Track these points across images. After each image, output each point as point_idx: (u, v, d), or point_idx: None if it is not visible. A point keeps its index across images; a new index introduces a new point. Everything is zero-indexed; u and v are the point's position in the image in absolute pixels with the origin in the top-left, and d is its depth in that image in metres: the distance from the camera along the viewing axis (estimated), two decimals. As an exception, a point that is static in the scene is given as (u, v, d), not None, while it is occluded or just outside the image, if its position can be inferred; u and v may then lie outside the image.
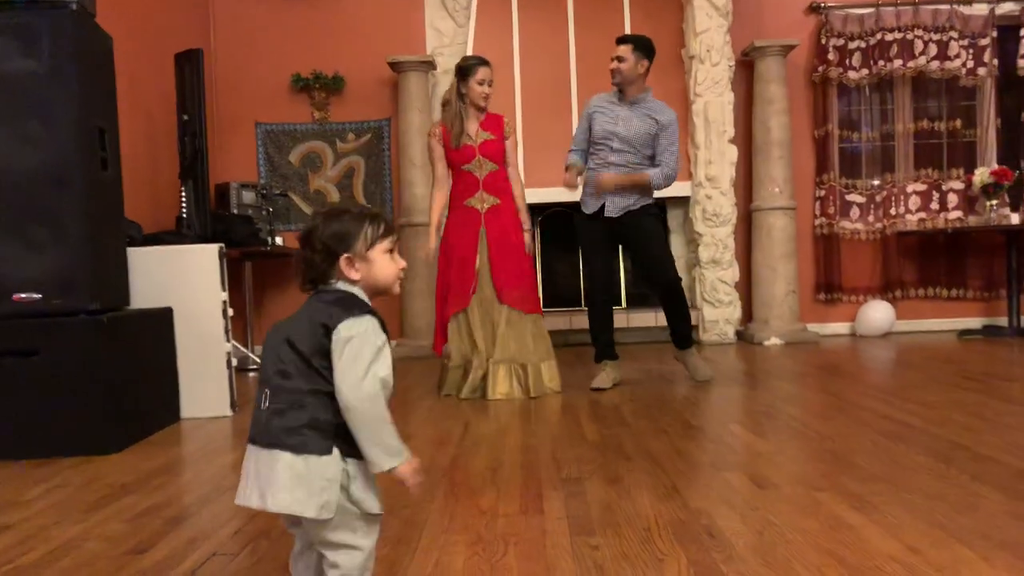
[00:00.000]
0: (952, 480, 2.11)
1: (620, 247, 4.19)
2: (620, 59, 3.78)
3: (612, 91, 3.91)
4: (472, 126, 3.83)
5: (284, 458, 1.26)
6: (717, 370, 4.33)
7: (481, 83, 3.78)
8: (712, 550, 1.68)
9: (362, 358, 1.27)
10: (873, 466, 2.28)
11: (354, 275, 1.35)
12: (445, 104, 3.90)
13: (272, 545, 1.83)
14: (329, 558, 1.32)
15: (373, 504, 1.31)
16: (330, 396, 1.27)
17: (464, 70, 3.83)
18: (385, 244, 1.37)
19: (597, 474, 2.30)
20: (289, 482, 1.25)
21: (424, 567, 1.66)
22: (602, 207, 3.83)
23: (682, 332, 3.94)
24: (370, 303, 1.36)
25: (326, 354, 1.28)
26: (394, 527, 1.89)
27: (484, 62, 3.83)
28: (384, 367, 1.29)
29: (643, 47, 3.81)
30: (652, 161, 3.83)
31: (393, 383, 1.33)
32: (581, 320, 5.69)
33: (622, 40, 3.86)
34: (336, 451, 1.28)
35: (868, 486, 2.08)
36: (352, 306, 1.31)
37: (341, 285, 1.36)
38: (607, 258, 3.99)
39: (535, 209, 5.97)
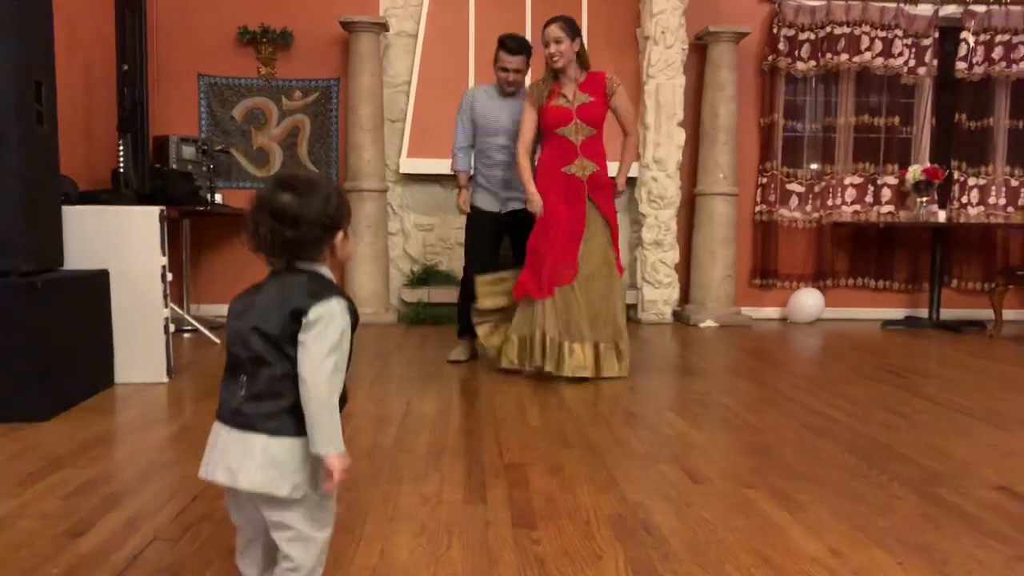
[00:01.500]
0: (872, 480, 2.23)
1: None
2: (519, 71, 3.87)
3: (485, 85, 4.02)
4: (569, 88, 3.60)
5: (259, 440, 1.28)
6: (655, 352, 4.45)
7: (546, 44, 3.57)
8: (649, 547, 1.75)
9: (326, 339, 1.27)
10: (800, 463, 2.39)
11: (340, 252, 1.36)
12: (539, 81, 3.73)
13: (215, 529, 1.83)
14: (283, 550, 1.34)
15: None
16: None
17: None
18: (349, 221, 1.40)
19: (539, 462, 2.36)
20: (264, 462, 1.27)
21: (369, 558, 1.69)
22: (501, 203, 3.94)
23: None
24: (332, 278, 1.37)
25: (293, 338, 1.29)
26: (338, 512, 1.89)
27: (549, 22, 3.61)
28: (341, 360, 1.30)
29: (531, 54, 3.90)
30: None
31: (347, 371, 1.34)
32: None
33: (518, 50, 3.85)
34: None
35: (794, 484, 2.19)
36: (323, 289, 1.31)
37: (315, 265, 1.35)
38: (496, 246, 4.01)
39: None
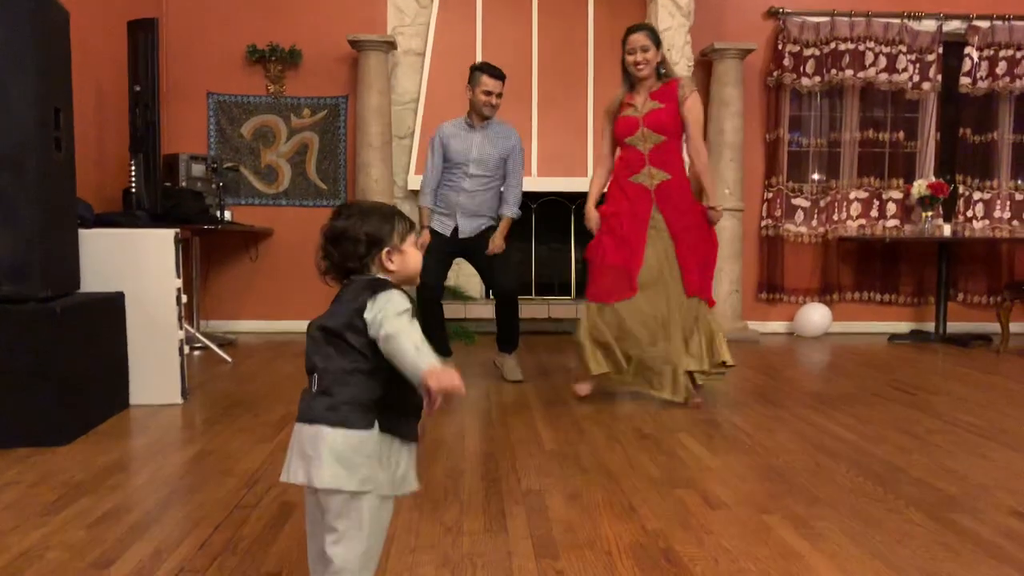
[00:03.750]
0: (889, 505, 2.25)
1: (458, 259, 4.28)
2: (500, 95, 4.05)
3: (461, 118, 4.13)
4: (640, 97, 3.52)
5: (325, 433, 1.35)
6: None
7: (631, 52, 3.48)
8: (671, 578, 1.76)
9: (393, 306, 1.38)
10: (815, 487, 2.41)
11: (391, 265, 1.46)
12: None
13: (240, 560, 1.84)
14: (327, 552, 1.38)
15: (404, 483, 1.42)
16: (368, 374, 1.37)
17: (622, 41, 3.55)
18: (413, 237, 1.50)
19: (557, 488, 2.37)
20: (330, 459, 1.34)
21: (395, 590, 1.70)
22: (455, 228, 4.09)
23: (510, 339, 4.18)
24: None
25: (359, 331, 1.38)
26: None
27: (632, 30, 3.52)
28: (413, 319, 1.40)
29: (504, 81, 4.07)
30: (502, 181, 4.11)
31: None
32: (531, 310, 5.77)
33: (500, 75, 4.04)
34: (376, 426, 1.37)
35: (811, 509, 2.21)
36: (378, 286, 1.42)
37: (378, 275, 1.47)
38: (442, 266, 4.14)
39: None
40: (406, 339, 1.33)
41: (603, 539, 1.98)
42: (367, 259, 1.45)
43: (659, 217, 3.50)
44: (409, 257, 1.49)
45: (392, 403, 1.39)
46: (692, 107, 3.47)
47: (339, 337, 1.39)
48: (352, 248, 1.44)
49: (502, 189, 4.15)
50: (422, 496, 2.30)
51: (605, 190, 3.72)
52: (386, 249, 1.45)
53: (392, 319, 1.35)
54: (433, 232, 4.12)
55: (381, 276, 1.46)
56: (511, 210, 4.14)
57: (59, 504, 2.21)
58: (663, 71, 3.52)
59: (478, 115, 4.07)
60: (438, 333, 4.11)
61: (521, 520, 2.10)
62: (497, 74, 4.02)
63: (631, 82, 3.56)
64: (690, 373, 3.52)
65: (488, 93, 4.00)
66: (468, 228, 4.10)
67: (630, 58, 3.48)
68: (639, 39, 3.48)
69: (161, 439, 2.94)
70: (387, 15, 5.91)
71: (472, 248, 4.13)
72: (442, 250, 4.10)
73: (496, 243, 4.07)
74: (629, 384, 3.62)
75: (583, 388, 3.69)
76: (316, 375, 1.41)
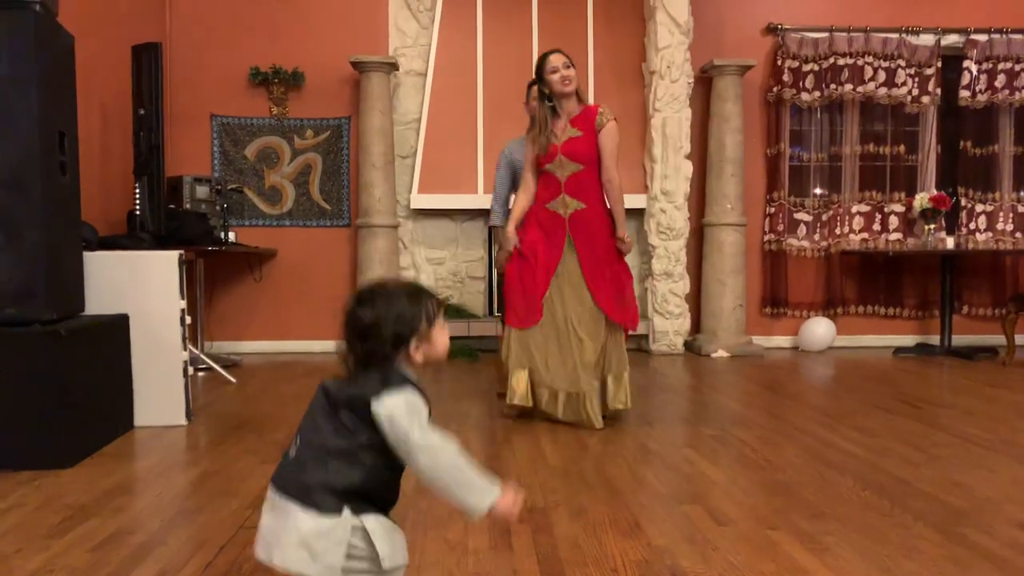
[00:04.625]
0: (896, 519, 2.23)
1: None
2: (567, 66, 3.61)
3: (522, 136, 3.87)
4: (560, 123, 3.49)
5: (294, 514, 1.31)
6: (667, 383, 4.46)
7: (554, 71, 3.43)
8: (677, 595, 1.75)
9: (415, 423, 1.31)
10: (821, 501, 2.40)
11: (418, 357, 1.39)
12: (532, 120, 3.60)
13: (245, 581, 1.84)
14: None
15: (398, 556, 1.35)
16: (349, 461, 1.31)
17: (538, 68, 3.51)
18: (441, 318, 1.42)
19: (561, 505, 2.36)
20: (296, 541, 1.30)
21: (400, 610, 1.69)
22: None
23: None
24: (413, 377, 1.40)
25: (353, 411, 1.33)
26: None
27: (553, 51, 3.51)
28: (429, 425, 1.33)
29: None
30: None
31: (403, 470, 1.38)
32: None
33: (557, 52, 3.65)
34: (347, 511, 1.31)
35: (818, 524, 2.19)
36: (390, 380, 1.35)
37: (400, 366, 1.39)
38: None
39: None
40: (454, 471, 1.29)
41: (609, 556, 1.97)
42: (392, 356, 1.38)
43: (571, 246, 3.48)
44: (436, 343, 1.41)
45: (367, 493, 1.34)
46: (608, 136, 3.44)
47: (335, 409, 1.34)
48: (379, 347, 1.36)
49: None
50: (426, 513, 2.29)
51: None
52: (413, 344, 1.38)
53: (420, 443, 1.29)
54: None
55: (402, 370, 1.39)
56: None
57: (63, 527, 2.21)
58: (580, 94, 3.53)
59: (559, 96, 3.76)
60: None
61: (526, 538, 2.09)
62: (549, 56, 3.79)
63: (553, 107, 3.50)
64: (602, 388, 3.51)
65: (555, 69, 3.63)
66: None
67: (555, 76, 3.42)
68: (560, 58, 3.46)
69: (165, 460, 2.94)
70: (389, 36, 5.97)
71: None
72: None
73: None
74: (553, 414, 3.50)
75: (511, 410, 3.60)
76: (299, 440, 1.37)
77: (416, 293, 1.41)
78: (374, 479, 1.34)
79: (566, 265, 3.50)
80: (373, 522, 1.33)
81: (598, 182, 3.51)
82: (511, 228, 3.61)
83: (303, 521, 1.30)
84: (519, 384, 3.51)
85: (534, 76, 3.56)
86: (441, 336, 1.42)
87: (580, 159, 3.46)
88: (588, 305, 3.47)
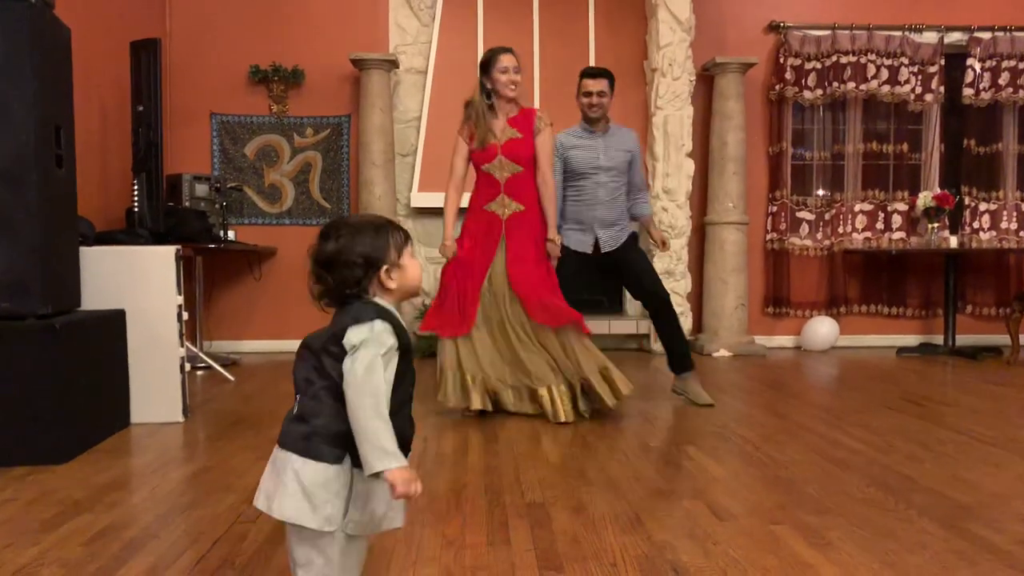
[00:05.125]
0: (900, 515, 2.20)
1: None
2: (602, 93, 3.75)
3: (578, 124, 3.88)
4: (499, 123, 3.51)
5: (293, 462, 1.30)
6: (668, 382, 4.41)
7: (505, 71, 3.46)
8: (678, 589, 1.72)
9: (365, 358, 1.29)
10: (824, 497, 2.36)
11: (391, 284, 1.38)
12: (467, 104, 3.57)
13: (237, 575, 1.81)
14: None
15: (384, 521, 1.35)
16: (342, 402, 1.30)
17: (485, 62, 3.52)
18: (409, 248, 1.41)
19: (560, 500, 2.33)
20: (295, 491, 1.29)
21: (395, 604, 1.66)
22: (595, 244, 3.82)
23: (681, 351, 3.85)
24: (394, 308, 1.39)
25: (334, 357, 1.32)
26: (362, 557, 1.88)
27: (506, 49, 3.53)
28: (387, 377, 1.31)
29: (613, 83, 3.85)
30: (627, 188, 3.91)
31: (409, 392, 1.37)
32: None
33: (598, 74, 3.80)
34: (347, 461, 1.31)
35: (821, 519, 2.16)
36: (367, 312, 1.34)
37: (374, 297, 1.38)
38: (578, 288, 3.87)
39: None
40: (369, 419, 1.25)
41: (608, 551, 1.93)
42: (364, 282, 1.36)
43: (503, 248, 3.50)
44: (408, 271, 1.40)
45: None
46: (545, 141, 3.52)
47: (317, 358, 1.33)
48: (348, 273, 1.34)
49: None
50: (424, 509, 2.26)
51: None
52: (384, 267, 1.37)
53: (359, 378, 1.26)
54: (569, 253, 3.79)
55: (377, 300, 1.37)
56: (647, 208, 4.01)
57: (56, 521, 2.18)
58: (518, 98, 3.56)
59: (585, 119, 3.84)
60: None
61: (524, 533, 2.06)
62: (594, 73, 3.82)
63: (491, 105, 3.51)
64: (572, 390, 3.49)
65: (588, 94, 3.78)
66: (610, 240, 3.83)
67: (504, 76, 3.46)
68: (512, 60, 3.49)
69: (161, 456, 2.91)
70: (389, 34, 5.95)
71: (615, 260, 3.85)
72: (583, 271, 3.86)
73: (664, 239, 3.92)
74: (517, 408, 3.53)
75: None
76: (297, 396, 1.37)
77: (382, 224, 1.40)
78: None
79: (496, 268, 3.52)
80: (360, 481, 1.33)
81: (535, 184, 3.55)
82: (449, 235, 3.60)
83: (302, 471, 1.29)
84: (462, 388, 3.51)
85: (480, 66, 3.56)
86: (412, 264, 1.41)
87: (520, 161, 3.50)
88: (519, 308, 3.50)
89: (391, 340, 1.32)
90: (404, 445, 1.36)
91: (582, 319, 3.51)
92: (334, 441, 1.30)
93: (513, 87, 3.49)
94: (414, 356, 1.39)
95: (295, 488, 1.29)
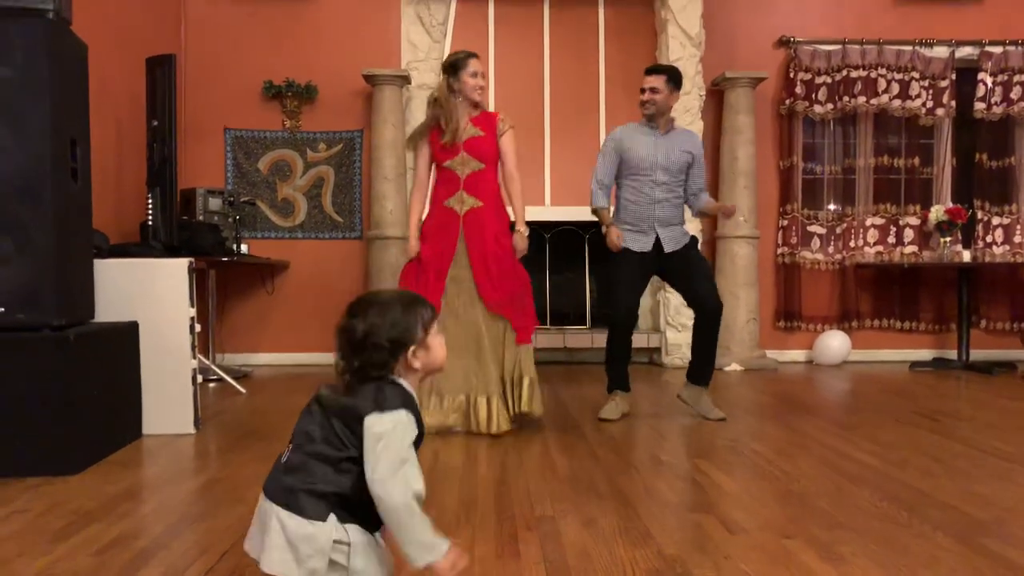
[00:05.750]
0: (915, 530, 2.18)
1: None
2: (654, 90, 3.73)
3: (639, 122, 3.86)
4: (462, 122, 3.56)
5: (281, 516, 1.29)
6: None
7: (474, 75, 3.53)
8: (689, 603, 1.70)
9: (391, 454, 1.29)
10: (838, 512, 2.34)
11: (416, 364, 1.37)
12: (435, 102, 3.61)
13: (247, 586, 1.81)
14: None
15: (371, 572, 1.31)
16: (339, 465, 1.29)
17: (454, 64, 3.56)
18: (435, 326, 1.40)
19: (571, 514, 2.32)
20: (281, 544, 1.28)
21: (404, 616, 1.65)
22: (656, 243, 3.77)
23: (707, 367, 3.85)
24: (414, 391, 1.38)
25: (345, 424, 1.32)
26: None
27: (473, 54, 3.59)
28: (416, 476, 1.30)
29: (675, 78, 3.80)
30: (686, 191, 3.87)
31: (423, 487, 1.35)
32: (545, 339, 5.74)
33: (655, 71, 3.81)
34: (332, 518, 1.29)
35: (834, 533, 2.14)
36: (388, 400, 1.32)
37: (398, 377, 1.37)
38: (639, 291, 3.86)
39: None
40: (404, 517, 1.26)
41: (619, 565, 1.92)
42: (391, 363, 1.36)
43: (463, 245, 3.51)
44: (434, 350, 1.40)
45: (356, 502, 1.31)
46: (510, 140, 3.59)
47: (327, 418, 1.33)
48: (376, 356, 1.34)
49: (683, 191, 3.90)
50: (432, 521, 2.25)
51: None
52: (411, 349, 1.37)
53: (389, 476, 1.26)
54: (629, 253, 3.77)
55: (396, 379, 1.37)
56: (705, 197, 3.92)
57: (67, 531, 2.18)
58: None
59: (647, 117, 3.80)
60: (622, 367, 3.86)
61: (534, 546, 2.05)
62: (650, 70, 3.83)
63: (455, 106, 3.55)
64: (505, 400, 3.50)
65: (642, 91, 3.77)
66: (671, 241, 3.78)
67: (473, 80, 3.53)
68: (480, 65, 3.57)
69: (172, 468, 2.92)
70: (401, 50, 6.00)
71: (674, 263, 3.80)
72: (641, 271, 3.81)
73: (729, 205, 3.91)
74: (451, 424, 3.48)
75: None
76: (291, 447, 1.36)
77: (410, 301, 1.40)
78: (364, 489, 1.31)
79: (459, 267, 3.52)
80: (356, 534, 1.31)
81: (495, 182, 3.60)
82: (413, 234, 3.61)
83: (287, 523, 1.29)
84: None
85: (446, 67, 3.60)
86: (437, 342, 1.41)
87: (482, 157, 3.55)
88: (482, 307, 3.50)
89: (414, 431, 1.33)
90: (377, 518, 1.35)
91: (532, 327, 3.56)
92: (322, 500, 1.30)
93: (480, 91, 3.57)
94: None
95: (280, 540, 1.29)
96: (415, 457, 1.33)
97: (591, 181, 3.88)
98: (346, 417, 1.31)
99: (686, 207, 3.94)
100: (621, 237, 3.76)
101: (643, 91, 3.78)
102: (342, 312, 1.41)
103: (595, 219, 3.94)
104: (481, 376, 3.47)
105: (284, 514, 1.29)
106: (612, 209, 3.91)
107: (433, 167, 3.66)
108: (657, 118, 3.78)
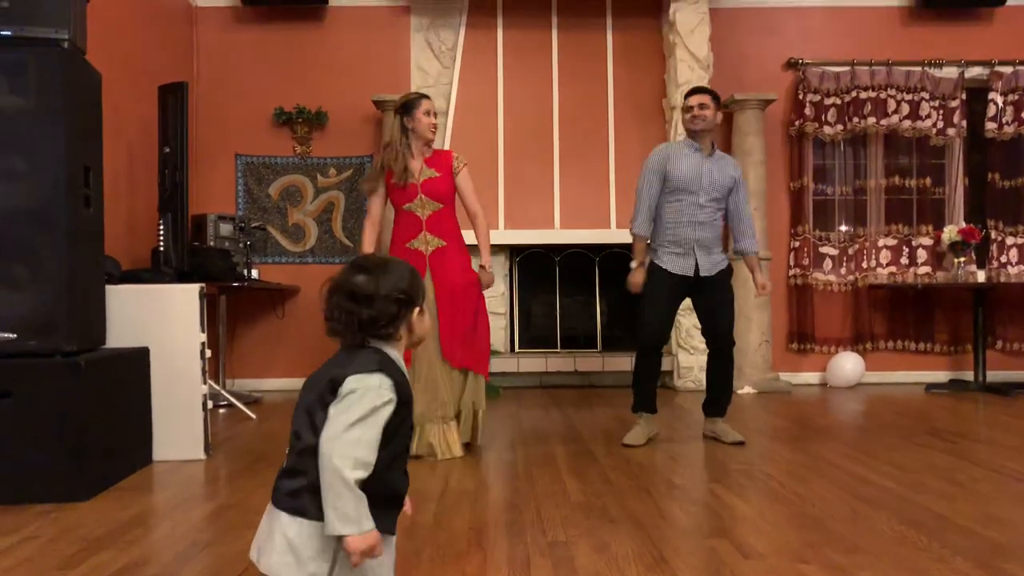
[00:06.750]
0: (934, 554, 2.13)
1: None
2: (703, 106, 3.71)
3: (681, 140, 3.85)
4: (416, 164, 3.57)
5: (282, 519, 1.30)
6: (693, 420, 4.36)
7: (427, 114, 3.56)
8: (704, 630, 1.67)
9: (352, 411, 1.26)
10: (854, 536, 2.30)
11: (418, 327, 1.39)
12: (387, 146, 3.66)
13: (256, 613, 1.78)
14: None
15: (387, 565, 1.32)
16: None
17: (407, 105, 3.58)
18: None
19: (583, 539, 2.29)
20: (282, 546, 1.28)
21: (414, 643, 1.63)
22: (695, 267, 3.71)
23: (723, 399, 3.87)
24: (400, 359, 1.37)
25: (326, 409, 1.29)
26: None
27: (425, 95, 3.64)
28: (365, 444, 1.26)
29: (718, 100, 3.81)
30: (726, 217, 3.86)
31: (405, 444, 1.35)
32: (556, 363, 5.72)
33: (700, 91, 3.80)
34: None
35: (851, 558, 2.10)
36: (371, 362, 1.31)
37: (385, 344, 1.37)
38: (673, 312, 3.83)
39: (513, 250, 6.01)
40: (336, 482, 1.23)
41: (632, 590, 1.89)
42: (398, 321, 1.34)
43: (430, 282, 3.50)
44: (425, 320, 1.42)
45: (364, 490, 1.27)
46: (466, 178, 3.64)
47: (310, 411, 1.31)
48: (388, 308, 1.32)
49: (729, 224, 3.90)
50: (444, 546, 2.23)
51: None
52: (417, 309, 1.37)
53: (337, 433, 1.24)
54: (665, 275, 3.72)
55: (386, 349, 1.35)
56: (755, 245, 3.92)
57: (77, 558, 2.17)
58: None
59: (690, 134, 3.79)
60: (650, 388, 3.82)
61: (547, 571, 2.02)
62: (694, 91, 3.83)
63: (409, 147, 3.57)
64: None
65: (689, 108, 3.76)
66: (709, 266, 3.73)
67: (428, 119, 3.56)
68: (432, 104, 3.62)
69: (182, 494, 2.91)
70: (411, 76, 6.05)
71: (705, 288, 3.75)
72: (677, 293, 3.77)
73: (765, 282, 3.90)
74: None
75: None
76: (288, 449, 1.35)
77: (405, 264, 1.41)
78: (365, 480, 1.27)
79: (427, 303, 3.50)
80: None
81: (455, 220, 3.65)
82: None
83: (289, 527, 1.28)
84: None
85: (399, 108, 3.61)
86: (428, 315, 1.44)
87: (440, 198, 3.59)
88: (437, 347, 3.51)
89: (388, 395, 1.29)
90: (397, 499, 1.35)
91: (488, 359, 3.65)
92: (319, 497, 1.28)
93: (434, 129, 3.62)
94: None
95: (282, 543, 1.28)
96: (378, 430, 1.28)
97: (635, 202, 3.81)
98: (327, 395, 1.29)
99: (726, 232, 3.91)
100: (639, 285, 3.74)
101: (690, 108, 3.75)
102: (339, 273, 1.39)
103: (606, 241, 3.92)
104: (435, 403, 3.48)
105: (286, 518, 1.29)
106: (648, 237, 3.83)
107: (390, 208, 3.70)
108: (705, 135, 3.75)
